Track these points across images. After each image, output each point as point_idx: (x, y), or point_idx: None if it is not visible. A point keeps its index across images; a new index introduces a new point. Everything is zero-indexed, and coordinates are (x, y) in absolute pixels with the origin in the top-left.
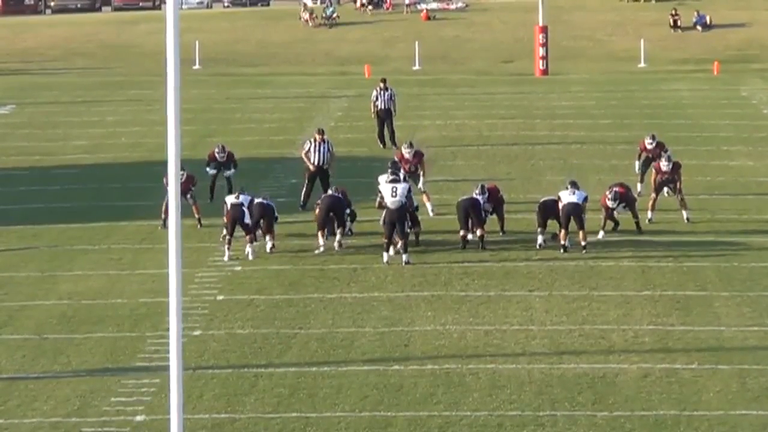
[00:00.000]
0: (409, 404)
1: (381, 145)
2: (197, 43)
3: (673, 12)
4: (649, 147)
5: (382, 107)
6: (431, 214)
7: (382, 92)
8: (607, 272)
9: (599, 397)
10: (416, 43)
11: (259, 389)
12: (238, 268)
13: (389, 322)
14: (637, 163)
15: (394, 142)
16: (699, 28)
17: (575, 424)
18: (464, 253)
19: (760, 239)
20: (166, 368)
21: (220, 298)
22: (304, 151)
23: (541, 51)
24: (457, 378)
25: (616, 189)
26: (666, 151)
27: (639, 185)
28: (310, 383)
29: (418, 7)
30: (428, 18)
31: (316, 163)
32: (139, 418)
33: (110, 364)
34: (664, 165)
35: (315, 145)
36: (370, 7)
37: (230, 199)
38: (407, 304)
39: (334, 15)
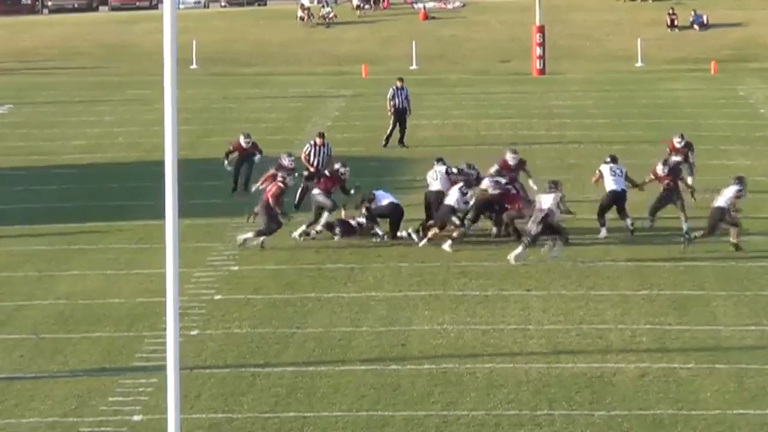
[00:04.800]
0: (407, 404)
1: (384, 144)
2: (194, 42)
3: (671, 11)
4: (678, 146)
5: (399, 106)
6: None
7: (399, 91)
8: (605, 272)
9: (597, 396)
10: (413, 42)
11: (257, 389)
12: (235, 268)
13: (387, 322)
14: (660, 166)
15: (402, 142)
16: (696, 27)
17: (572, 424)
18: (462, 253)
19: (758, 238)
20: (164, 368)
21: (218, 297)
22: (304, 154)
23: (538, 50)
24: (454, 377)
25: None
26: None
27: None
28: (307, 383)
29: (415, 6)
30: (426, 17)
31: (316, 165)
32: (136, 417)
33: (108, 364)
34: (660, 169)
35: (315, 149)
36: (366, 7)
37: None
38: (405, 304)
39: (332, 14)
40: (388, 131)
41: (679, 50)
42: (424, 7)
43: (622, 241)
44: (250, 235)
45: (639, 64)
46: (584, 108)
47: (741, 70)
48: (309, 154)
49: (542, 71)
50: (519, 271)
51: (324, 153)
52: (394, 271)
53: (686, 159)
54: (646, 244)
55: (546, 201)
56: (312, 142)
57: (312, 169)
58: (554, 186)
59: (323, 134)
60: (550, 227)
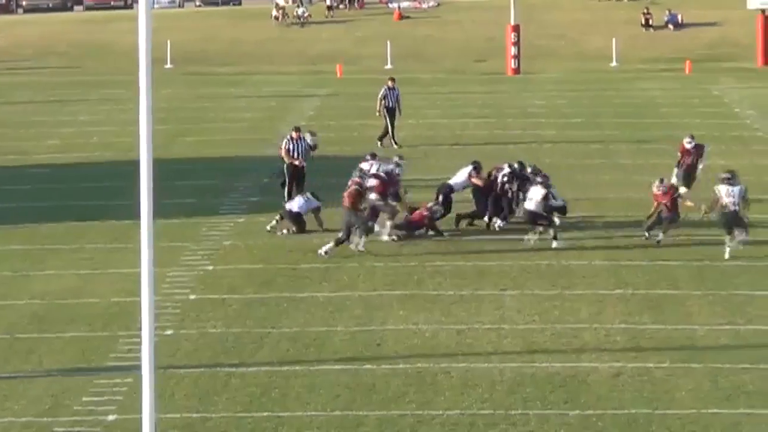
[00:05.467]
0: (381, 403)
1: (391, 143)
2: (169, 42)
3: (645, 11)
4: (688, 147)
5: (389, 105)
6: None
7: (390, 91)
8: (580, 271)
9: (571, 395)
10: (388, 42)
11: (231, 388)
12: (210, 268)
13: (361, 322)
14: (676, 170)
15: (384, 141)
16: (671, 27)
17: (547, 423)
18: (436, 253)
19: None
20: (138, 368)
21: (192, 297)
22: (284, 150)
23: (513, 50)
24: (429, 377)
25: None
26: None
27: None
28: (282, 383)
29: (390, 6)
30: (400, 17)
31: (296, 157)
32: (111, 417)
33: (82, 364)
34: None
35: (293, 143)
36: (341, 6)
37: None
38: (380, 304)
39: (306, 14)
40: (388, 130)
41: (653, 50)
42: (399, 7)
43: (596, 241)
44: (361, 241)
45: (614, 63)
46: (559, 107)
47: (715, 70)
48: (289, 149)
49: (517, 71)
50: (493, 271)
51: (301, 146)
52: (369, 270)
53: (696, 162)
54: (621, 243)
55: (732, 193)
56: (289, 137)
57: (297, 163)
58: (733, 177)
59: (299, 128)
60: (735, 220)
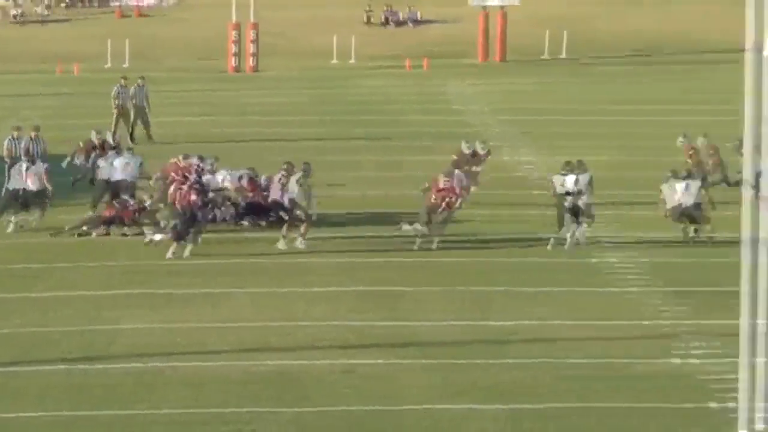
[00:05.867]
0: (112, 403)
1: (132, 142)
2: None
3: (367, 8)
4: (466, 152)
5: (138, 103)
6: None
7: (138, 89)
8: (315, 268)
9: (303, 393)
10: (116, 40)
11: None
12: None
13: (93, 321)
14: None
15: (150, 135)
16: (393, 24)
17: (275, 422)
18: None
19: (466, 232)
20: None
21: None
22: (5, 149)
23: (240, 48)
24: (161, 376)
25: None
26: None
27: None
28: (10, 383)
29: (112, 4)
30: (134, 15)
31: (33, 156)
32: None
33: None
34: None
35: (13, 142)
36: (80, 4)
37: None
38: (112, 303)
39: (45, 12)
40: (130, 129)
41: (382, 47)
42: (136, 6)
43: (333, 240)
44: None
45: (341, 60)
46: (287, 105)
47: (441, 66)
48: (9, 148)
49: (245, 68)
50: (229, 270)
51: (40, 145)
52: (100, 270)
53: (474, 167)
54: (356, 240)
55: (566, 182)
56: (11, 136)
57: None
58: (564, 166)
59: (20, 127)
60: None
